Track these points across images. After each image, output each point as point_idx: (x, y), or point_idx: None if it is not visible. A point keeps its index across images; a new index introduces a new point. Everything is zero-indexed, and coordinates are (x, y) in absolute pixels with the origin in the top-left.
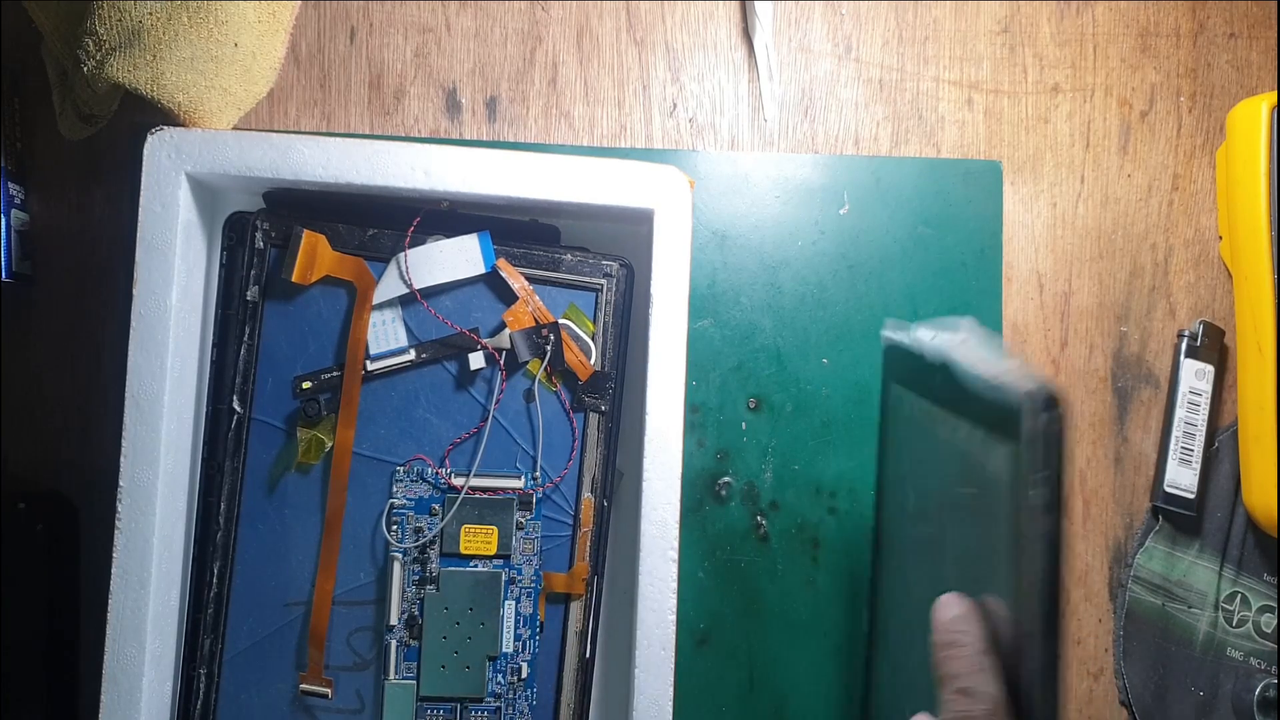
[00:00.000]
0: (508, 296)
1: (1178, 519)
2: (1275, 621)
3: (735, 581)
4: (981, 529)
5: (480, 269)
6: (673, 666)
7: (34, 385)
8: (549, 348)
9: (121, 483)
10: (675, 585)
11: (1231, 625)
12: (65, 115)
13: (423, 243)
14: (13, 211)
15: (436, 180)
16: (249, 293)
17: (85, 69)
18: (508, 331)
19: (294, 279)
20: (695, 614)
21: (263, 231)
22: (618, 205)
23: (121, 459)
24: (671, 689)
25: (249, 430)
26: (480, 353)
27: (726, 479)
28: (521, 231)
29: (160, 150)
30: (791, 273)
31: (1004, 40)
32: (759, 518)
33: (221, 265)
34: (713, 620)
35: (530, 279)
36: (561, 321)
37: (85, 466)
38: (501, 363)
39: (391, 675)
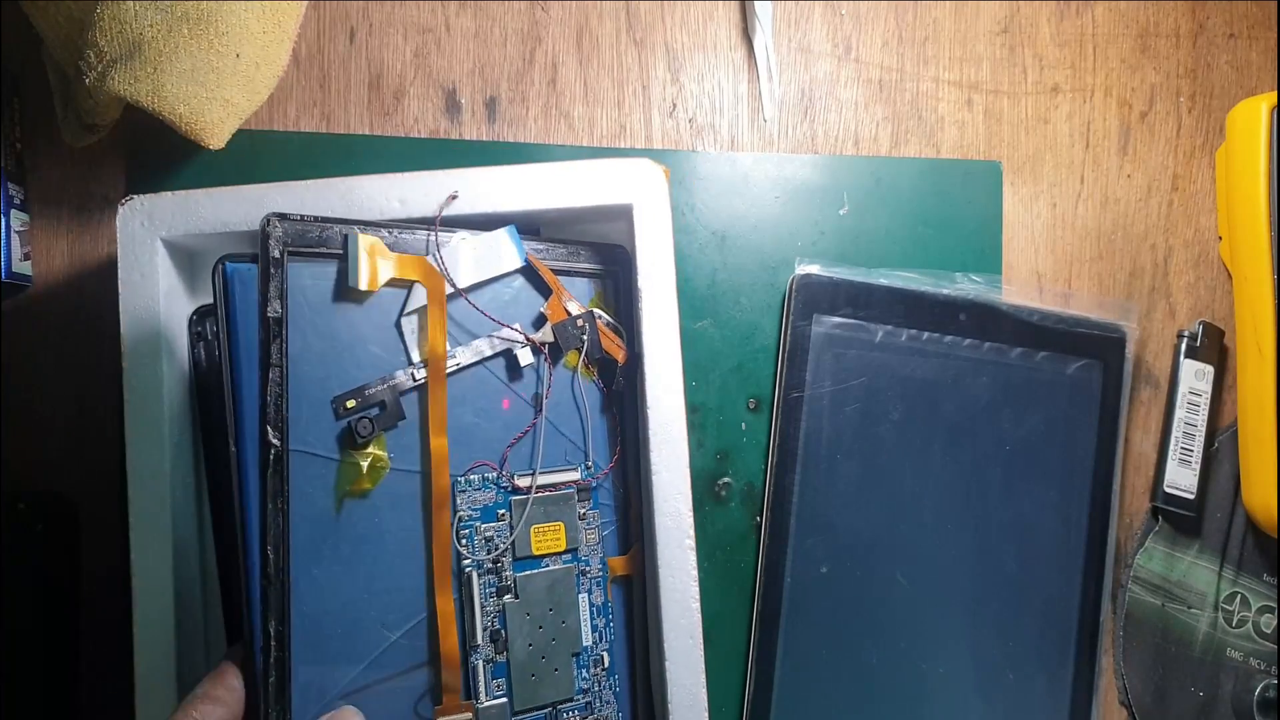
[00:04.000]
0: (536, 290)
1: (1177, 519)
2: (1275, 622)
3: (735, 581)
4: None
5: (517, 263)
6: (702, 655)
7: (34, 385)
8: (585, 337)
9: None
10: (696, 574)
11: (1231, 626)
12: (68, 122)
13: (448, 242)
14: (12, 212)
15: (412, 207)
16: (270, 308)
17: (87, 80)
18: (549, 324)
19: (364, 286)
20: None
21: (276, 238)
22: (595, 205)
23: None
24: (703, 677)
25: (289, 464)
26: (527, 348)
27: (726, 479)
28: None
29: (133, 220)
30: (791, 273)
31: (1004, 41)
32: (759, 518)
33: (223, 313)
34: (712, 620)
35: (554, 271)
36: (594, 310)
37: (85, 466)
38: (547, 356)
39: (483, 698)
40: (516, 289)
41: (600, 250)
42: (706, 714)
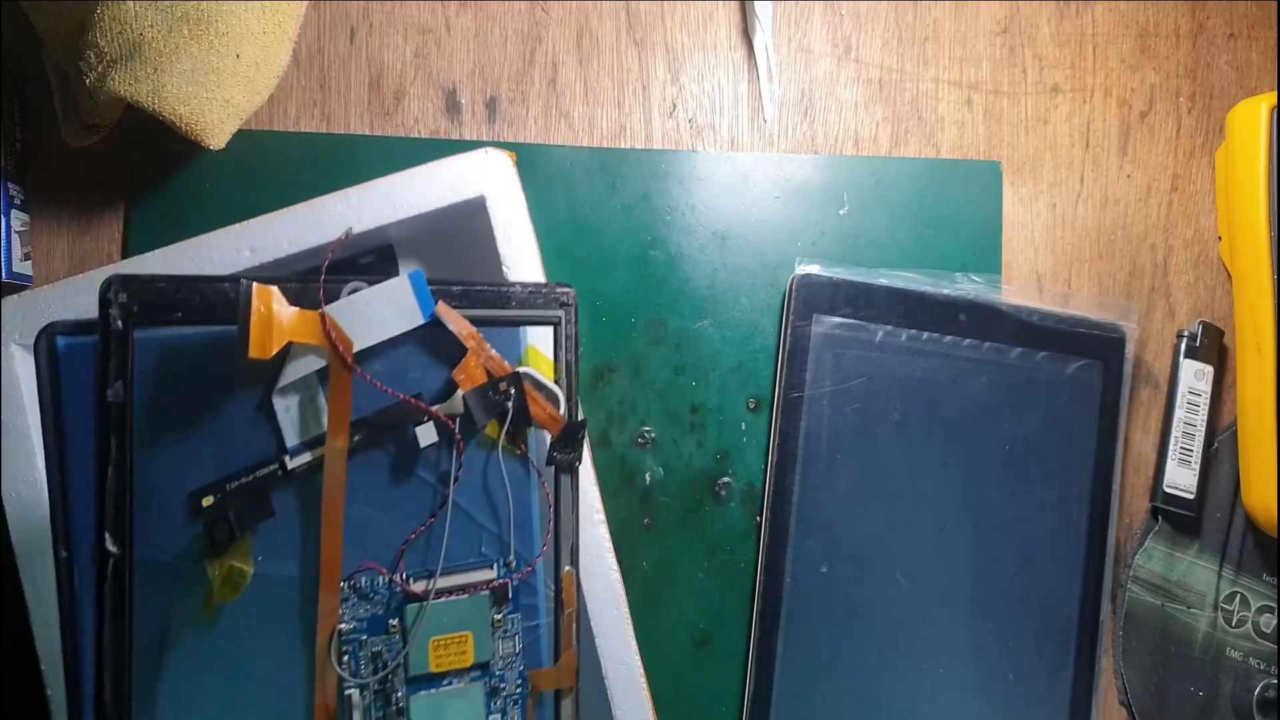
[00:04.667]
0: (452, 348)
1: (1177, 519)
2: (1275, 622)
3: (735, 581)
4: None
5: (419, 319)
6: (630, 623)
7: None
8: (510, 404)
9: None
10: (610, 545)
11: (1231, 625)
12: (68, 123)
13: (337, 295)
14: (13, 212)
15: (262, 253)
16: (110, 391)
17: (87, 81)
18: (460, 392)
19: (253, 354)
20: (695, 614)
21: (119, 305)
22: (449, 205)
23: None
24: (634, 644)
25: (132, 576)
26: (430, 424)
27: (726, 479)
28: (353, 273)
29: None
30: (791, 273)
31: (1004, 41)
32: (758, 518)
33: (48, 397)
34: (712, 621)
35: (476, 322)
36: (522, 370)
37: None
38: (457, 431)
39: None
40: (425, 346)
41: (545, 292)
42: (644, 680)
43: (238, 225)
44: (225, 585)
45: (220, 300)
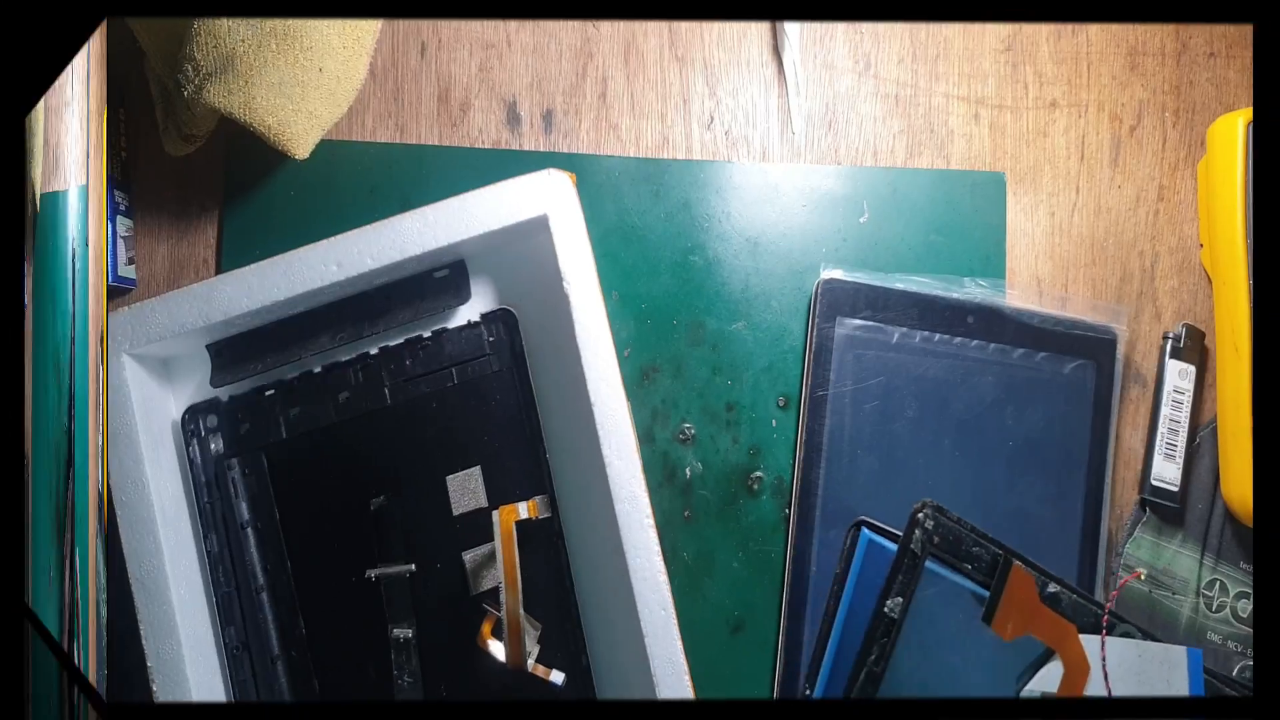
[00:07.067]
0: None
1: (1163, 510)
2: (1251, 606)
3: (766, 571)
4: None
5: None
6: (675, 623)
7: None
8: None
9: (150, 662)
10: (658, 549)
11: (1211, 610)
12: (168, 133)
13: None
14: (118, 217)
15: (348, 268)
16: (889, 603)
17: (185, 92)
18: None
19: (994, 628)
20: (730, 602)
21: (924, 530)
22: (514, 223)
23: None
24: (679, 644)
25: None
26: None
27: (758, 474)
28: (429, 286)
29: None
30: (816, 277)
31: (1007, 58)
32: (787, 510)
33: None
34: (746, 609)
35: None
36: None
37: None
38: None
39: None
40: None
41: None
42: (688, 676)
43: (324, 242)
44: None
45: (989, 561)
